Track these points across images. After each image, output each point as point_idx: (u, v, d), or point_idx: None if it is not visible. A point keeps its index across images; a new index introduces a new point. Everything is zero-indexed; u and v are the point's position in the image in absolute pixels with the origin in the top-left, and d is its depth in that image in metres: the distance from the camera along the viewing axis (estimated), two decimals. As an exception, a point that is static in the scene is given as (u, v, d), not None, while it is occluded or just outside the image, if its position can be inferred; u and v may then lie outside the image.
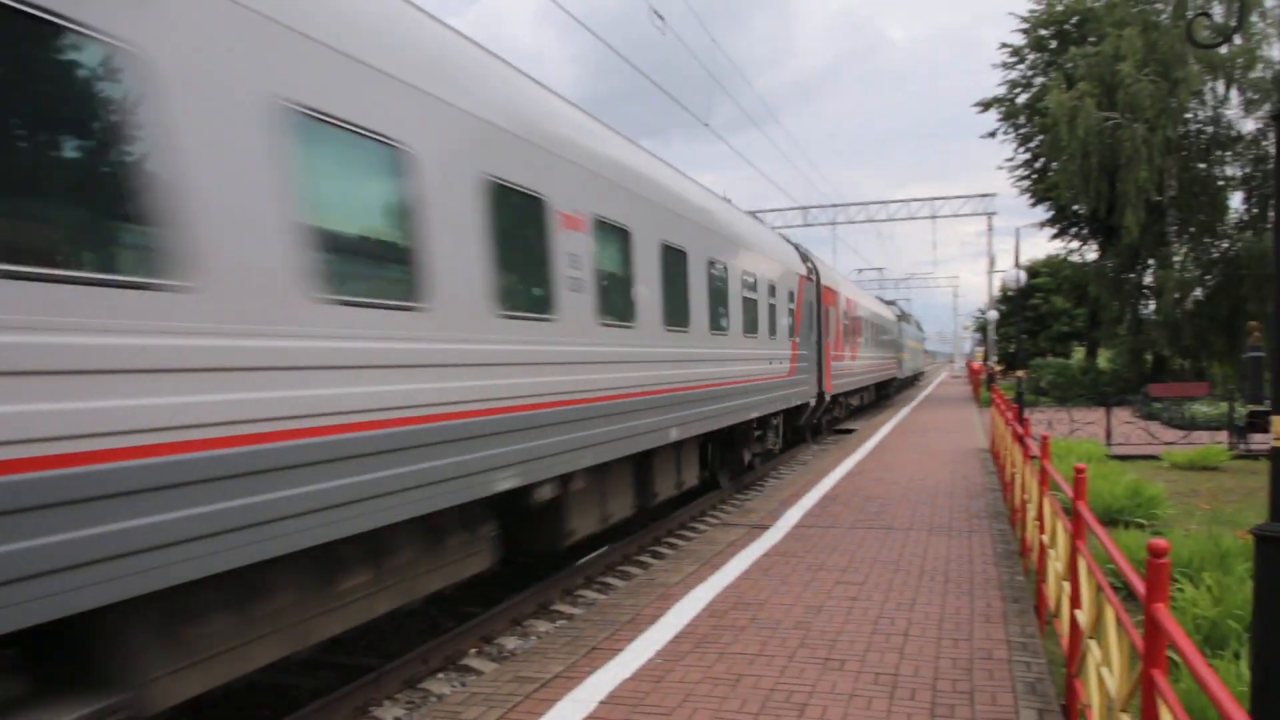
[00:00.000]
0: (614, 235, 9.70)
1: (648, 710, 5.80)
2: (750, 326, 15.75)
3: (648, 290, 10.63)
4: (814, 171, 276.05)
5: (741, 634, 7.29)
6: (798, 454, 23.05)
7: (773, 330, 17.63)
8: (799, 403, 20.51)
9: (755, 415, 16.11)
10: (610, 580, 11.02)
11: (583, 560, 11.14)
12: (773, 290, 17.71)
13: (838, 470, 17.21)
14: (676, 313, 11.76)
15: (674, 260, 11.75)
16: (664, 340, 11.25)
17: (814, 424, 25.05)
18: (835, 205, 53.33)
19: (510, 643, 8.62)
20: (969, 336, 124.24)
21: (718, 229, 14.03)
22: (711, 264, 13.44)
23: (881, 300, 51.23)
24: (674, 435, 11.59)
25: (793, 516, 12.46)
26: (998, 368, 60.19)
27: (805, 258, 22.84)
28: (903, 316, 56.98)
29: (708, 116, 25.70)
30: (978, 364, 69.08)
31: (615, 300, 9.61)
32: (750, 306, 15.78)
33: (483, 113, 7.35)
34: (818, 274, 23.13)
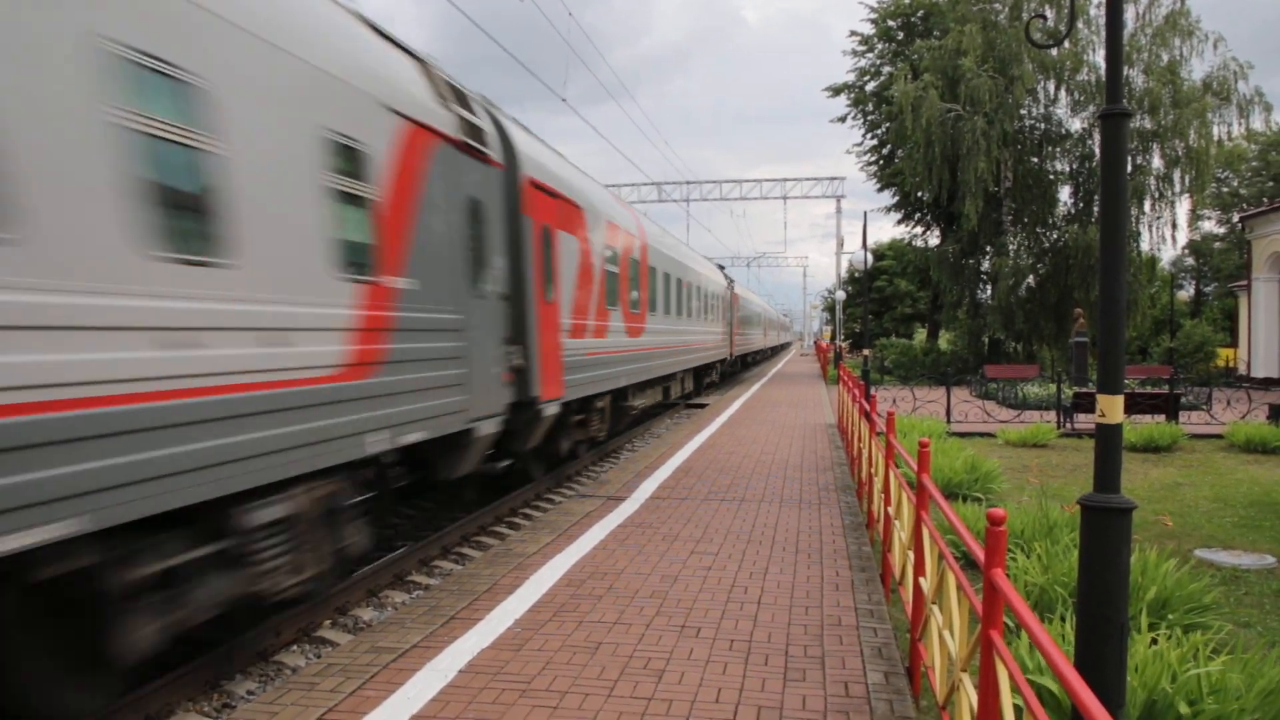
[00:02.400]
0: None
1: (508, 678, 5.80)
2: (703, 313, 24.62)
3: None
4: (668, 148, 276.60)
5: (599, 603, 7.34)
6: (652, 427, 23.18)
7: (709, 316, 26.82)
8: (723, 356, 33.85)
9: (710, 361, 26.98)
10: (466, 551, 10.95)
11: (438, 532, 10.97)
12: (711, 295, 28.55)
13: (691, 443, 17.34)
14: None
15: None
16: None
17: (732, 372, 36.87)
18: (689, 183, 53.90)
19: (366, 614, 8.50)
20: (817, 315, 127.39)
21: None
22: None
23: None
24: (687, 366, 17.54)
25: (648, 488, 12.55)
26: (845, 346, 61.71)
27: (726, 275, 36.07)
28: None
29: (564, 89, 25.53)
30: (825, 343, 70.87)
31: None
32: (703, 303, 24.40)
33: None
34: (733, 286, 34.69)
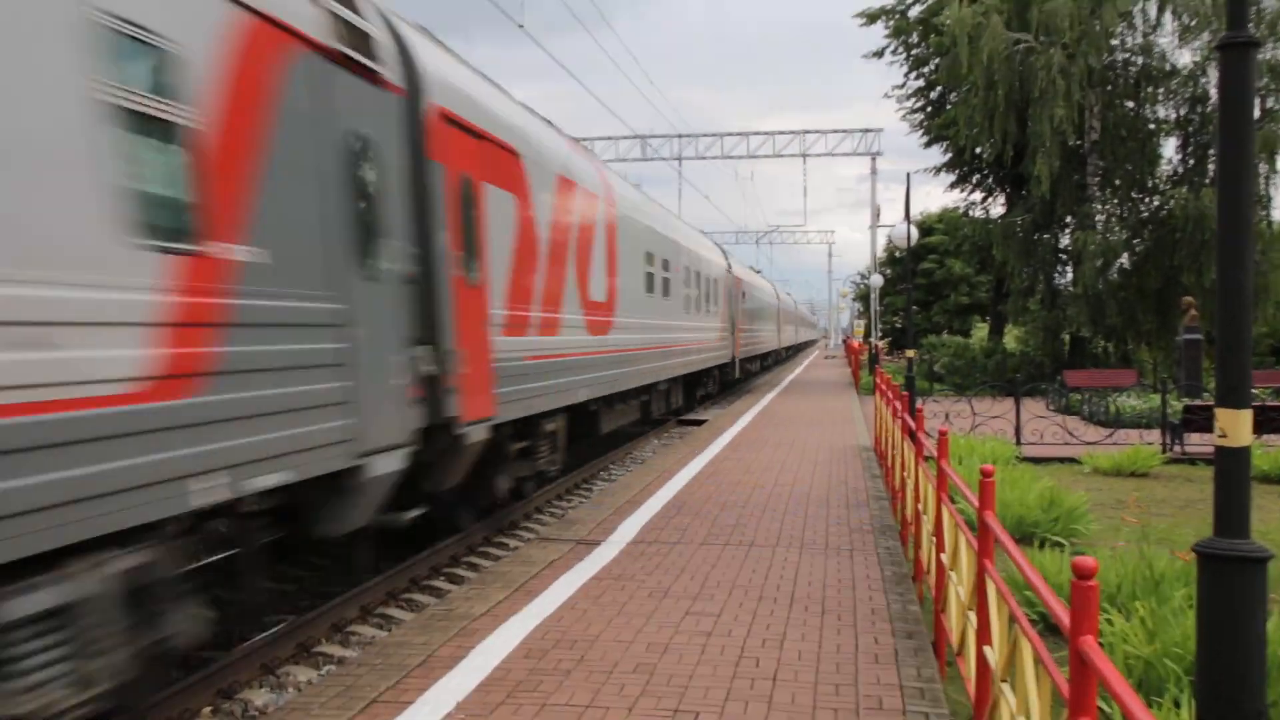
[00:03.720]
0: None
1: (446, 781, 5.73)
2: (702, 306, 29.38)
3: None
4: (655, 92, 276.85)
5: (567, 679, 7.33)
6: (633, 449, 23.43)
7: (710, 310, 31.37)
8: (724, 361, 36.28)
9: (708, 365, 29.27)
10: (394, 612, 10.95)
11: (357, 588, 10.89)
12: (713, 282, 31.89)
13: (685, 471, 17.49)
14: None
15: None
16: None
17: (732, 380, 38.49)
18: (682, 136, 53.79)
19: (259, 698, 8.43)
20: (847, 306, 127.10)
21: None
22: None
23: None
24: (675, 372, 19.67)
25: (629, 529, 12.61)
26: (882, 346, 61.67)
27: (725, 255, 38.70)
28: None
29: (520, 14, 25.52)
30: (857, 341, 70.86)
31: None
32: (702, 292, 28.35)
33: None
34: (732, 268, 38.58)
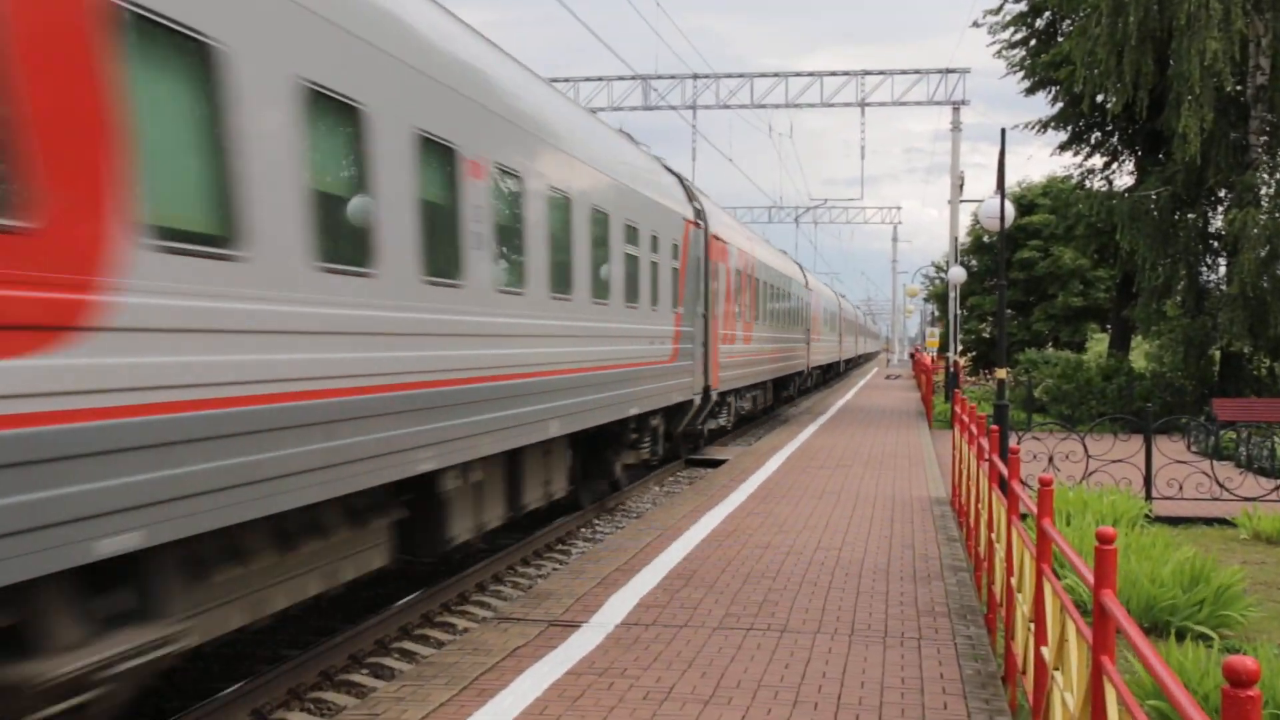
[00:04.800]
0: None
1: None
2: (631, 294, 22.58)
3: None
4: (662, 18, 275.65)
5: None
6: (627, 498, 23.89)
7: (654, 299, 24.46)
8: (679, 399, 26.70)
9: (634, 411, 22.51)
10: (293, 717, 10.96)
11: (245, 684, 11.04)
12: (655, 243, 24.50)
13: (696, 528, 17.67)
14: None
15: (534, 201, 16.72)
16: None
17: (694, 432, 31.32)
18: (697, 77, 53.43)
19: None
20: (915, 309, 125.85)
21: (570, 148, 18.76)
22: (587, 209, 19.47)
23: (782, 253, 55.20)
24: (552, 430, 17.50)
25: (619, 606, 12.74)
26: (962, 363, 61.20)
27: (691, 195, 30.02)
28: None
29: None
30: (928, 355, 70.45)
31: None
32: (630, 265, 22.42)
33: None
34: (706, 219, 30.30)
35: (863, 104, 53.36)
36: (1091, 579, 6.29)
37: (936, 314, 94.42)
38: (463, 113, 14.83)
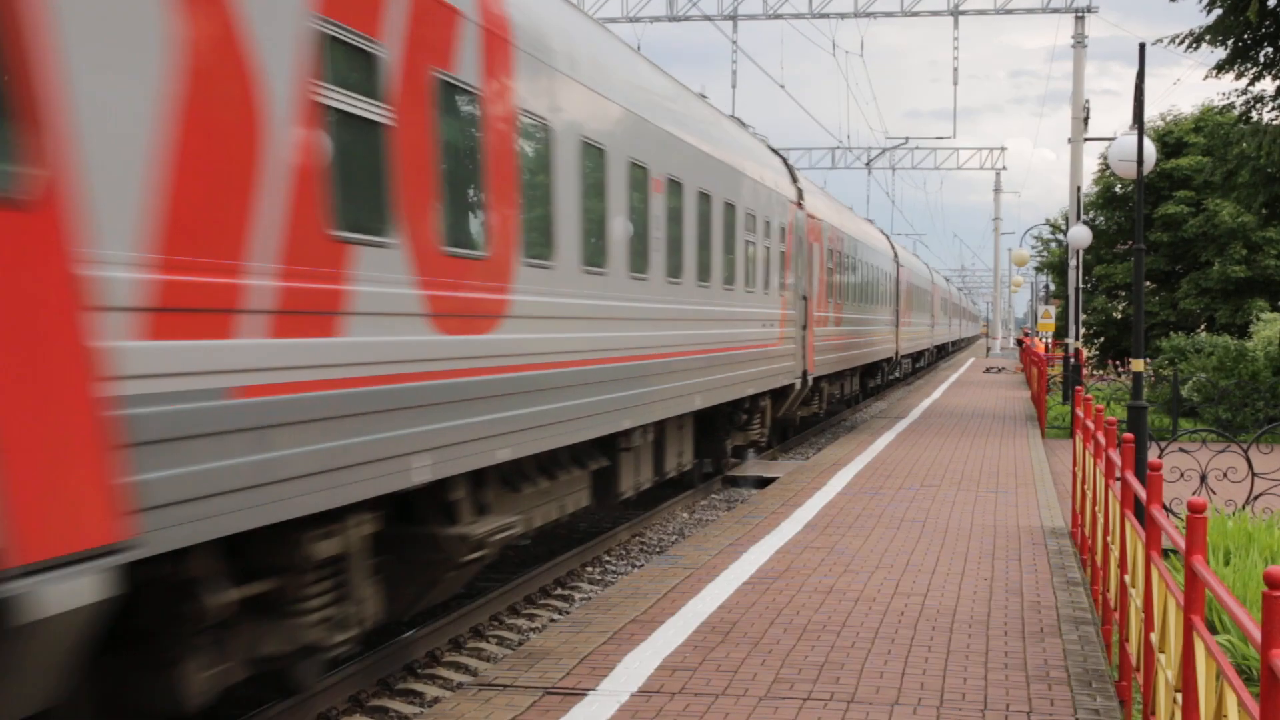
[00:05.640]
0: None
1: None
2: (749, 279, 28.19)
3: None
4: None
5: None
6: (645, 525, 22.52)
7: (766, 283, 29.95)
8: (784, 382, 32.11)
9: (750, 391, 27.96)
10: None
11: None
12: (767, 228, 30.14)
13: (735, 567, 16.31)
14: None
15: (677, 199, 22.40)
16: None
17: (790, 418, 37.06)
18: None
19: None
20: (1024, 279, 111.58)
21: (693, 144, 23.90)
22: (706, 198, 24.89)
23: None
24: (697, 403, 22.89)
25: (636, 668, 11.61)
26: (1086, 351, 55.03)
27: (794, 176, 36.27)
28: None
29: None
30: (1042, 342, 65.39)
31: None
32: (749, 251, 28.29)
33: None
34: (804, 198, 36.27)
35: (956, 12, 50.82)
36: (1259, 635, 5.67)
37: (1052, 289, 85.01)
38: (653, 141, 20.64)
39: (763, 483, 27.06)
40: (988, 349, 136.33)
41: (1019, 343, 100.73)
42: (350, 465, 11.03)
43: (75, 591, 7.74)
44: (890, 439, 33.86)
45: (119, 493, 8.25)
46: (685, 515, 24.21)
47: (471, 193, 14.22)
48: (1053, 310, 78.90)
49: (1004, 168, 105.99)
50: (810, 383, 34.88)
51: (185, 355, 9.10)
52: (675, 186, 21.88)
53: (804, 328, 33.71)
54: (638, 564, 19.39)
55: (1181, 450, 23.64)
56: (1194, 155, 56.17)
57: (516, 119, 15.12)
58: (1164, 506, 11.02)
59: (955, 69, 62.64)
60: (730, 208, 25.86)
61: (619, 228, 18.96)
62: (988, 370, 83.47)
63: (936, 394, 56.29)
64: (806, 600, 14.55)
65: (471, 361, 13.46)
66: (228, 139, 9.27)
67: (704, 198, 23.71)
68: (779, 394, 32.03)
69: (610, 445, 18.58)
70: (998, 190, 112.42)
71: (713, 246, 24.80)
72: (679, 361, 21.47)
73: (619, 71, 20.28)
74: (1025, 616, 13.86)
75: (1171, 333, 48.89)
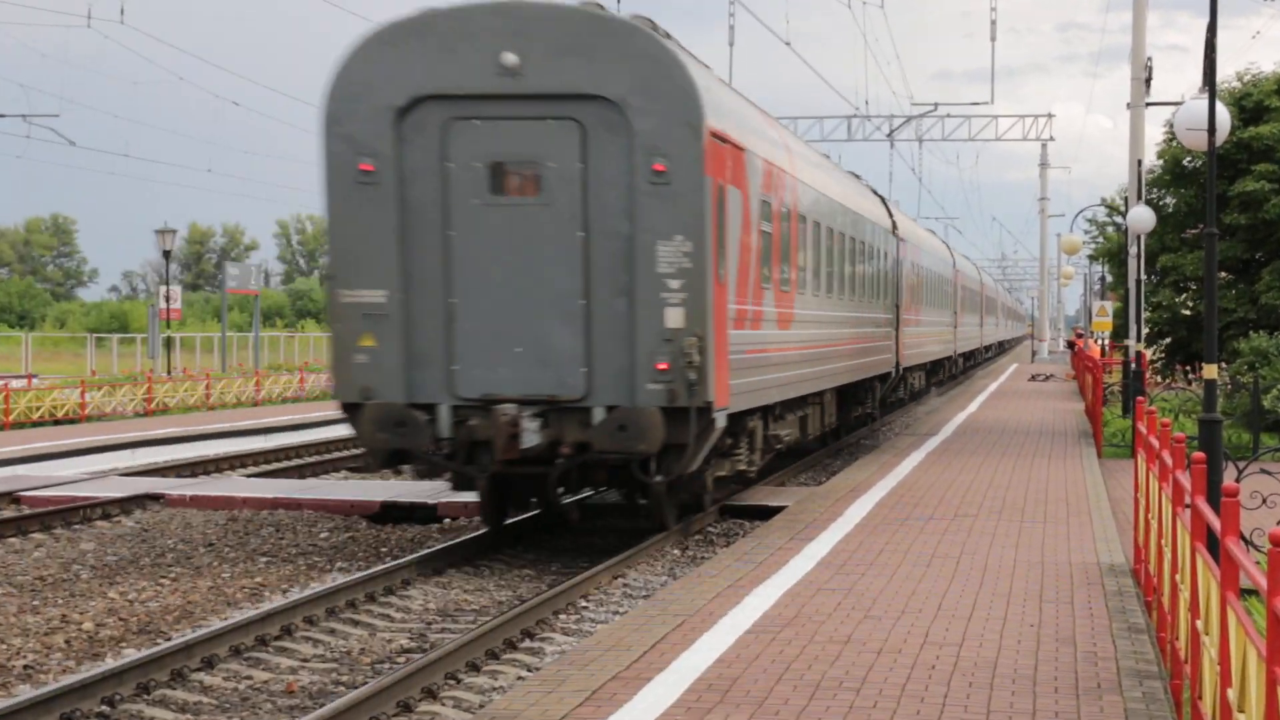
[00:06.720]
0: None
1: None
2: (871, 292, 44.53)
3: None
4: None
5: None
6: (629, 568, 20.99)
7: (876, 293, 46.02)
8: (886, 370, 47.22)
9: (874, 373, 44.86)
10: None
11: None
12: (875, 252, 45.29)
13: (737, 613, 15.44)
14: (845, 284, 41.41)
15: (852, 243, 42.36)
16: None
17: (891, 401, 55.97)
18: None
19: None
20: (1077, 270, 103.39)
21: (850, 209, 41.91)
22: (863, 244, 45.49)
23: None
24: (859, 374, 42.45)
25: None
26: (1150, 355, 53.20)
27: (889, 210, 52.46)
28: None
29: None
30: (1098, 344, 62.12)
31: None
32: (870, 271, 45.52)
33: None
34: (896, 225, 52.26)
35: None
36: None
37: (1109, 281, 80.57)
38: (829, 208, 35.18)
39: (767, 513, 25.19)
40: (1033, 353, 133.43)
41: (1070, 345, 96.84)
42: (775, 386, 26.25)
43: (721, 417, 22.17)
44: (918, 460, 33.45)
45: (729, 387, 23.03)
46: (676, 552, 22.76)
47: (788, 256, 28.43)
48: (1110, 307, 74.28)
49: (1051, 139, 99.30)
50: (901, 373, 51.11)
51: (744, 337, 24.42)
52: (837, 234, 36.51)
53: (895, 327, 48.85)
54: (620, 610, 18.38)
55: (1263, 472, 21.53)
56: (1277, 122, 50.15)
57: (797, 216, 30.15)
58: (1242, 538, 11.02)
59: (993, 21, 59.58)
60: (859, 242, 41.09)
61: (820, 265, 32.94)
62: (1033, 378, 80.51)
63: (972, 406, 56.61)
64: (820, 652, 13.78)
65: (789, 342, 28.03)
66: (752, 243, 24.88)
67: (849, 238, 38.83)
68: (881, 379, 47.01)
69: (814, 400, 32.73)
70: (1044, 165, 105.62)
71: (854, 271, 39.92)
72: (842, 350, 36.03)
73: (823, 172, 37.07)
74: (1079, 670, 13.07)
75: (1251, 332, 45.08)
